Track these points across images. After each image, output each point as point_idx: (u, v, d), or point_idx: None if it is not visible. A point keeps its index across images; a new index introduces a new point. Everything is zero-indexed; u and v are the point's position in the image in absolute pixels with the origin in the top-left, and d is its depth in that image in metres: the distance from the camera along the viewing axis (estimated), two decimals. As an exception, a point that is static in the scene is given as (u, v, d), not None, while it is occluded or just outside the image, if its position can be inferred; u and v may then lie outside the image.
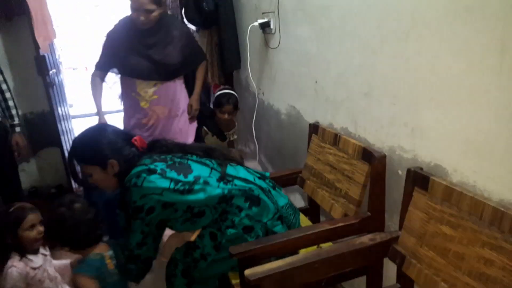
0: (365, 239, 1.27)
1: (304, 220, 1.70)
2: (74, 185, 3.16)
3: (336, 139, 1.58)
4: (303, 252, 1.34)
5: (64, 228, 1.42)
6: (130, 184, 1.32)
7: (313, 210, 1.84)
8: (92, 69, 2.27)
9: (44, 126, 2.98)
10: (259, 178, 1.53)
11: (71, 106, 6.00)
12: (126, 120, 2.32)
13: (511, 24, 0.91)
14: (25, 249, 1.49)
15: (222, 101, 2.39)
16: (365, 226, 1.41)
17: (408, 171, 1.23)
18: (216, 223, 1.42)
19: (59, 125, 2.86)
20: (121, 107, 2.37)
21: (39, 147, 3.09)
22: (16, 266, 1.44)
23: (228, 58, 2.67)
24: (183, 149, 1.50)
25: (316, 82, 1.81)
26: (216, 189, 1.39)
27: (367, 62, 1.44)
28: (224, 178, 1.43)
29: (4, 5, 2.58)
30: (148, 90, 2.16)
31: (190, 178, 1.37)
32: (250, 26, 2.22)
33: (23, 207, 1.51)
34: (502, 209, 0.94)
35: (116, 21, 2.19)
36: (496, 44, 0.94)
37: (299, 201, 2.16)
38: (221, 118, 2.42)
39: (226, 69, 2.72)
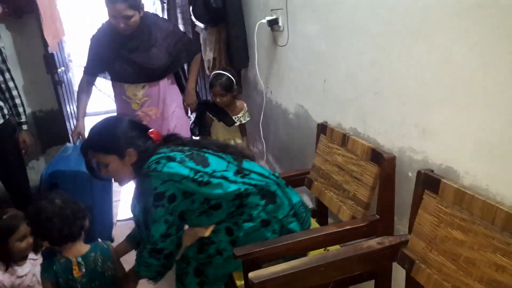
0: (373, 243, 1.24)
1: (312, 222, 1.67)
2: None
3: (344, 139, 1.55)
4: (312, 254, 1.31)
5: (40, 221, 1.37)
6: (150, 170, 1.31)
7: (320, 211, 1.81)
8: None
9: (53, 124, 3.00)
10: (273, 174, 1.53)
11: (80, 104, 6.06)
12: None
13: (528, 21, 0.87)
14: (12, 259, 1.46)
15: (211, 82, 2.26)
16: (373, 229, 1.38)
17: (419, 173, 1.19)
18: (232, 217, 1.41)
19: (67, 123, 2.87)
20: (113, 107, 2.36)
21: (48, 145, 3.11)
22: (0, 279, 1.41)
23: (236, 56, 2.65)
24: (197, 144, 1.50)
25: (324, 81, 1.78)
26: (233, 184, 1.38)
27: (377, 60, 1.40)
28: (241, 171, 1.43)
29: (13, 3, 2.59)
30: (138, 93, 2.16)
31: (208, 169, 1.37)
32: (258, 24, 2.19)
33: (16, 216, 1.47)
34: (516, 214, 0.90)
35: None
36: (510, 41, 0.90)
37: (306, 203, 2.12)
38: (215, 102, 2.30)
39: (234, 67, 2.69)
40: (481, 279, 0.98)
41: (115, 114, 2.34)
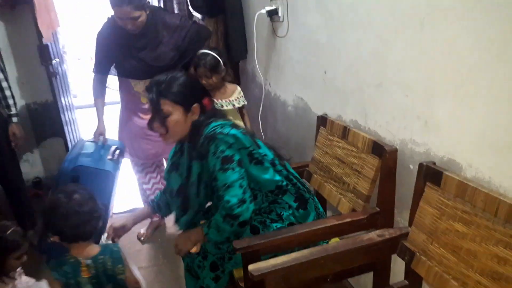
0: (373, 235, 1.23)
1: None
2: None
3: (345, 132, 1.54)
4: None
5: (55, 215, 1.32)
6: (216, 133, 1.30)
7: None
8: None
9: (47, 116, 2.96)
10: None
11: (75, 96, 6.00)
12: (125, 114, 2.28)
13: (535, 11, 0.86)
14: (3, 273, 1.38)
15: (195, 63, 2.09)
16: (373, 221, 1.38)
17: (420, 165, 1.18)
18: (259, 214, 1.42)
19: (62, 116, 2.83)
20: (114, 99, 2.33)
21: (43, 137, 3.08)
22: None
23: (234, 48, 2.62)
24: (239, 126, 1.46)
25: (325, 72, 1.76)
26: (278, 174, 1.41)
27: (379, 51, 1.38)
28: (284, 165, 1.45)
29: (7, -7, 2.55)
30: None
31: (261, 151, 1.39)
32: (257, 14, 2.16)
33: (20, 234, 1.39)
34: (519, 206, 0.90)
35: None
36: (518, 32, 0.89)
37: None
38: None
39: (232, 58, 2.66)
40: (483, 271, 0.98)
41: (118, 105, 2.32)
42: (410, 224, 1.23)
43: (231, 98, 2.20)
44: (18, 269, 1.45)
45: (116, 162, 2.06)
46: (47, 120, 2.98)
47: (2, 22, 2.75)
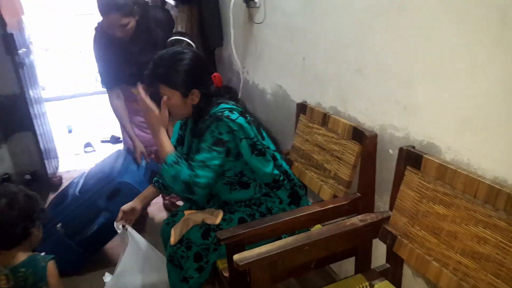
0: (356, 220, 1.24)
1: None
2: (49, 170, 3.04)
3: (325, 119, 1.54)
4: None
5: None
6: (223, 115, 1.28)
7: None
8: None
9: (15, 109, 2.81)
10: None
11: (43, 88, 5.77)
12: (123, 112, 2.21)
13: (512, -6, 0.87)
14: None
15: None
16: (355, 207, 1.39)
17: (400, 150, 1.19)
18: (248, 206, 1.42)
19: (31, 109, 2.71)
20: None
21: (11, 132, 2.93)
22: None
23: (209, 35, 2.56)
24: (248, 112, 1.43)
25: (303, 59, 1.75)
26: (277, 168, 1.41)
27: (358, 36, 1.38)
28: (285, 160, 1.47)
29: (-35, -22, 2.38)
30: None
31: (265, 143, 1.39)
32: (233, 0, 2.12)
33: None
34: (497, 186, 0.92)
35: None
36: (496, 15, 0.90)
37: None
38: None
39: (208, 46, 2.61)
40: (463, 252, 1.00)
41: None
42: (391, 208, 1.24)
43: None
44: None
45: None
46: (14, 114, 2.84)
47: (-38, 10, 2.59)
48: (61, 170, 3.35)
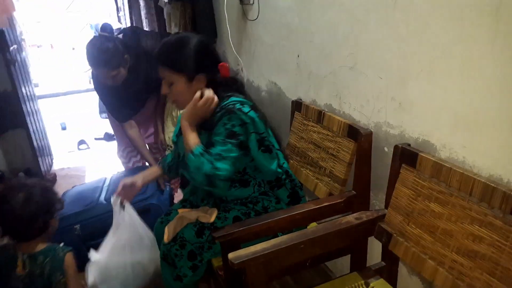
0: (351, 218, 1.23)
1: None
2: (43, 168, 3.02)
3: (320, 116, 1.53)
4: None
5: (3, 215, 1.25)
6: (235, 108, 1.26)
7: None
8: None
9: (7, 106, 2.78)
10: None
11: (36, 85, 5.72)
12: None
13: (508, -10, 0.86)
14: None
15: None
16: (350, 205, 1.38)
17: (396, 147, 1.19)
18: (244, 204, 1.40)
19: (24, 106, 2.68)
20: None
21: (4, 129, 2.90)
22: None
23: (202, 32, 2.54)
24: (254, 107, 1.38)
25: (298, 56, 1.74)
26: (281, 167, 1.40)
27: (352, 33, 1.37)
28: (287, 159, 1.45)
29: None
30: None
31: (271, 140, 1.38)
32: (226, -3, 2.11)
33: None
34: (492, 184, 0.92)
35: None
36: (491, 10, 0.89)
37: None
38: None
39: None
40: (459, 250, 1.00)
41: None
42: (386, 206, 1.24)
43: None
44: None
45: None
46: (7, 111, 2.81)
47: (-48, 6, 2.55)
48: (55, 167, 3.33)
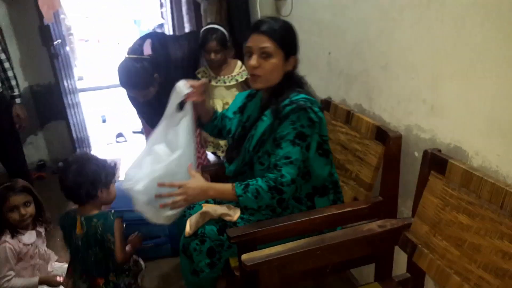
0: (374, 226, 1.18)
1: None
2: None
3: (348, 116, 1.47)
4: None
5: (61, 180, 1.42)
6: (306, 105, 1.24)
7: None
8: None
9: (50, 98, 2.94)
10: None
11: (81, 79, 5.99)
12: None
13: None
14: (10, 227, 1.49)
15: (204, 38, 2.11)
16: (376, 211, 1.32)
17: (425, 153, 1.12)
18: (274, 211, 1.34)
19: (65, 99, 2.80)
20: None
21: (47, 120, 3.06)
22: (8, 242, 1.47)
23: (237, 28, 2.53)
24: None
25: (329, 53, 1.69)
26: (330, 175, 1.36)
27: (385, 32, 1.30)
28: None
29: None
30: None
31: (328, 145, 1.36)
32: (260, -8, 2.08)
33: (9, 187, 1.49)
34: (527, 198, 0.84)
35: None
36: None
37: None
38: (208, 60, 2.18)
39: (235, 39, 2.58)
40: (486, 266, 0.92)
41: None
42: (413, 214, 1.17)
43: (233, 74, 2.24)
44: (50, 253, 1.61)
45: None
46: (50, 103, 2.96)
47: (4, 3, 2.71)
48: (94, 158, 3.45)
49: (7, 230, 1.48)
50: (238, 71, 2.24)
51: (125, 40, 6.98)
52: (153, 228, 2.02)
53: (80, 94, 3.52)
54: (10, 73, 2.10)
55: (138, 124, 4.08)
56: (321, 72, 1.78)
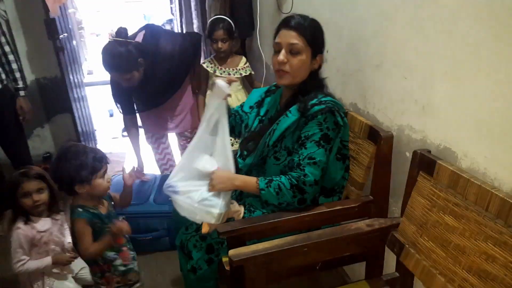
0: (362, 225, 1.18)
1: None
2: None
3: (342, 115, 1.47)
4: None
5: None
6: (333, 108, 1.24)
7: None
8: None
9: (57, 92, 2.97)
10: None
11: (91, 73, 6.04)
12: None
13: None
14: (29, 213, 1.49)
15: (212, 27, 2.14)
16: (366, 210, 1.32)
17: (414, 153, 1.11)
18: (277, 206, 1.33)
19: (70, 92, 2.83)
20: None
21: (53, 113, 3.11)
22: (21, 228, 1.46)
23: (240, 24, 2.52)
24: None
25: (327, 51, 1.68)
26: (342, 178, 1.36)
27: (380, 30, 1.30)
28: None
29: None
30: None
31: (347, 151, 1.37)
32: (262, -11, 2.08)
33: (23, 174, 1.49)
34: (510, 200, 0.83)
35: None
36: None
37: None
38: (215, 49, 2.20)
39: (238, 35, 2.58)
40: (470, 268, 0.92)
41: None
42: (402, 214, 1.17)
43: (238, 67, 2.27)
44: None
45: None
46: (56, 96, 3.00)
47: (11, -5, 2.75)
48: (98, 152, 3.49)
49: (21, 217, 1.49)
50: (243, 65, 2.28)
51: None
52: (152, 222, 2.06)
53: (90, 88, 3.55)
54: (14, 66, 2.12)
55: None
56: (319, 70, 1.78)
